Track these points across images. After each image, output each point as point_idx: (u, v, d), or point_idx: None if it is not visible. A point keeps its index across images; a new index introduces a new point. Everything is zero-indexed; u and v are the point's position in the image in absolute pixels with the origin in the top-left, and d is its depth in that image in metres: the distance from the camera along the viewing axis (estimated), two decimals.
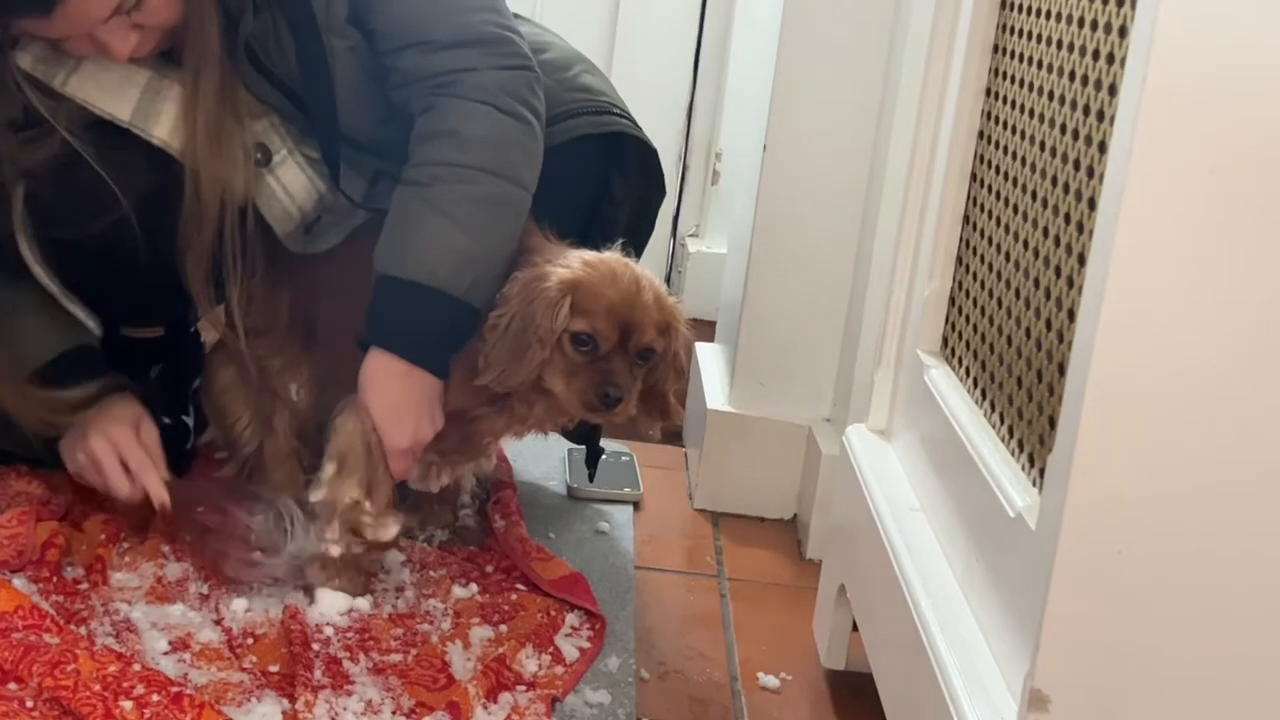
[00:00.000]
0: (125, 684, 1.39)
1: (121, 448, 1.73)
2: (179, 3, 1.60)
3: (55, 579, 1.62)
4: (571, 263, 1.63)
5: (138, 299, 1.88)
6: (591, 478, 2.08)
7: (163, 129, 1.67)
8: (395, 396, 1.65)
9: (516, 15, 1.79)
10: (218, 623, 1.60)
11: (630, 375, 1.61)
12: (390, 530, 1.67)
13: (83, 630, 1.52)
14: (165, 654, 1.52)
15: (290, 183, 1.74)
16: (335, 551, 1.65)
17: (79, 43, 1.60)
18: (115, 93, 1.66)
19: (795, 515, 2.15)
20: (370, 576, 1.72)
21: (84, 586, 1.63)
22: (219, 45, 1.64)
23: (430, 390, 1.67)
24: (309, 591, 1.67)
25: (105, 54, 1.60)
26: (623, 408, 1.61)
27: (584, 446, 2.07)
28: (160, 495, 1.72)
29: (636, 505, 2.12)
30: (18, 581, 1.57)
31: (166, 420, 2.00)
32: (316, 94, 1.70)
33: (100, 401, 1.75)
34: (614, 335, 1.60)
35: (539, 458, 2.17)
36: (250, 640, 1.57)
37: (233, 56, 1.66)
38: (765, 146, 2.07)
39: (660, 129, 1.89)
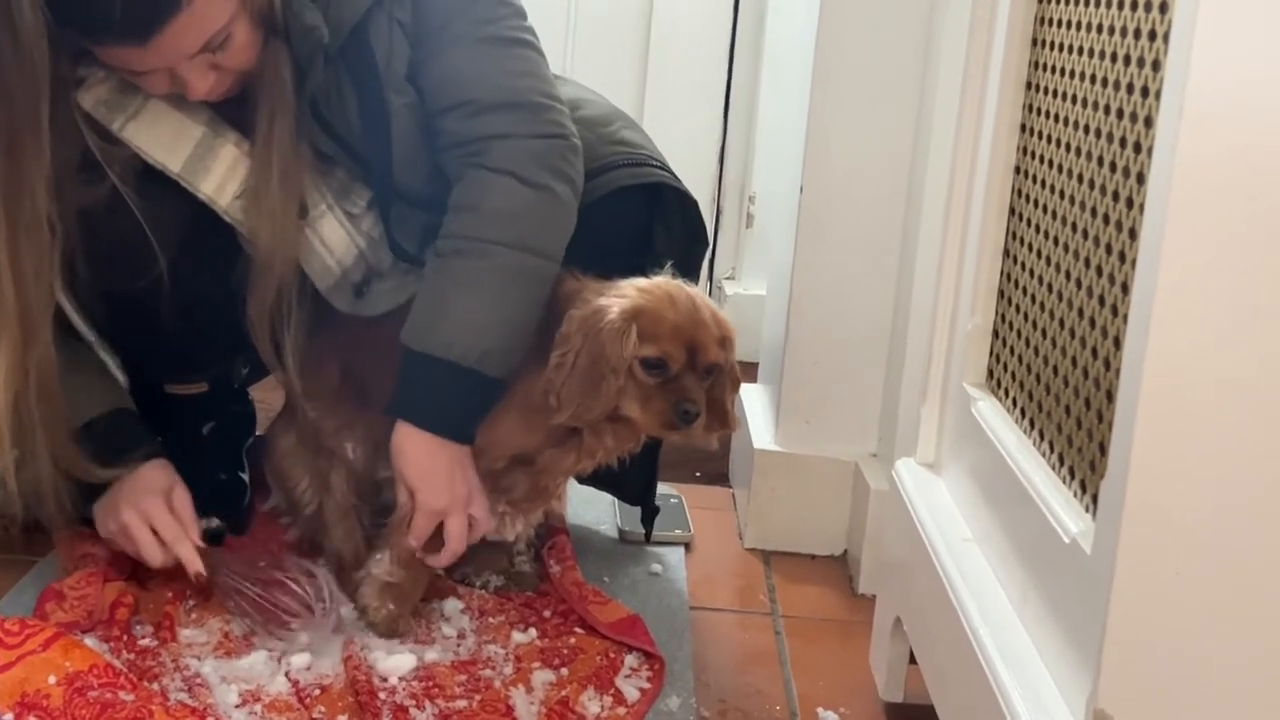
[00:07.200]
0: None
1: (153, 518, 1.75)
2: (257, 48, 1.65)
3: (125, 637, 1.66)
4: (627, 292, 1.67)
5: (173, 349, 1.92)
6: (648, 537, 2.10)
7: (210, 185, 1.71)
8: (423, 462, 1.70)
9: (555, 76, 1.82)
10: (285, 675, 1.62)
11: (700, 391, 1.66)
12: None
13: (156, 686, 1.55)
14: (237, 707, 1.55)
15: (328, 237, 1.77)
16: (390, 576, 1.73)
17: (158, 78, 1.63)
18: (169, 144, 1.70)
19: (845, 551, 2.17)
20: (415, 616, 1.76)
21: (153, 644, 1.67)
22: (292, 94, 1.68)
23: (456, 455, 1.71)
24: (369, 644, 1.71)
25: (183, 90, 1.64)
26: (699, 422, 1.65)
27: (639, 506, 2.10)
28: (194, 564, 1.74)
29: (688, 546, 2.14)
30: (89, 641, 1.60)
31: (222, 476, 2.05)
32: (375, 149, 1.74)
33: (132, 470, 1.77)
34: (681, 355, 1.65)
35: (589, 503, 2.20)
36: (318, 691, 1.60)
37: (299, 108, 1.70)
38: (802, 188, 2.10)
39: (693, 174, 1.92)
